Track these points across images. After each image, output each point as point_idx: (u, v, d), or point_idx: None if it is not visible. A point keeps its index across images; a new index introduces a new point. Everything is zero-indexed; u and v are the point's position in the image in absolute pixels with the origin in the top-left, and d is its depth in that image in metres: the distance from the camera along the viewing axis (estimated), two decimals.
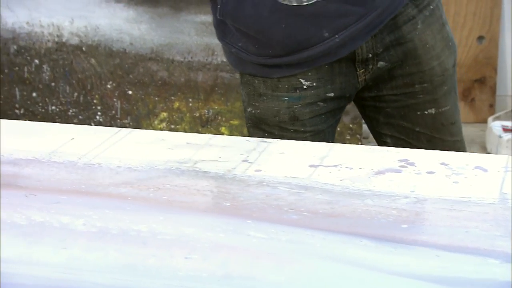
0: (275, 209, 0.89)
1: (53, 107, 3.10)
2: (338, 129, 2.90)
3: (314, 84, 1.28)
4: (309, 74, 1.27)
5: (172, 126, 3.08)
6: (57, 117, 3.10)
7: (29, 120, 3.15)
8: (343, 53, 1.26)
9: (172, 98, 3.07)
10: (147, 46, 3.04)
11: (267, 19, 1.20)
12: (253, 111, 1.34)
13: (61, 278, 0.76)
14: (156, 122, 3.08)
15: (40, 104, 3.10)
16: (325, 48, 1.23)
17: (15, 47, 3.07)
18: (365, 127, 3.09)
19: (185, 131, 3.08)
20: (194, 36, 3.01)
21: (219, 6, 1.24)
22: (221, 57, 2.97)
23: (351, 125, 2.84)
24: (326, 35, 1.22)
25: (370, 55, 1.27)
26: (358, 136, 2.85)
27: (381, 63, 1.28)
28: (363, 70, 1.28)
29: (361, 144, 2.90)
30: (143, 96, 3.06)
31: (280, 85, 1.29)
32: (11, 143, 1.10)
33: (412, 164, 0.99)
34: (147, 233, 0.85)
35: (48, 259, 0.80)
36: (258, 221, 0.86)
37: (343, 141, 2.88)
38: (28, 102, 3.10)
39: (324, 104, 1.29)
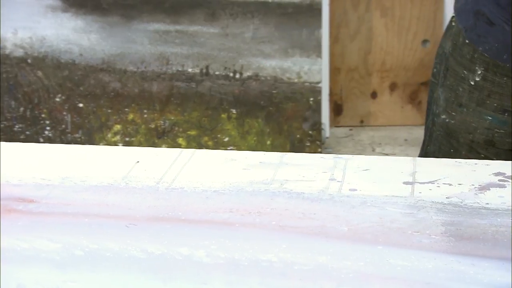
0: (398, 232, 0.86)
1: None
2: (298, 136, 2.90)
3: None
4: None
5: (127, 139, 3.00)
6: (2, 133, 2.97)
7: None
8: None
9: (126, 109, 2.99)
10: (97, 56, 2.94)
11: None
12: (447, 120, 1.19)
13: None
14: (109, 135, 2.99)
15: None
16: None
17: None
18: (323, 133, 3.10)
19: (141, 144, 3.00)
20: (148, 45, 2.94)
21: None
22: (176, 66, 2.91)
23: (310, 132, 2.84)
24: None
25: None
26: (318, 142, 2.85)
27: None
28: None
29: (321, 151, 2.90)
30: (95, 109, 2.96)
31: (488, 101, 1.13)
32: (76, 169, 1.03)
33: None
34: (280, 263, 0.80)
35: None
36: (389, 246, 0.83)
37: (302, 148, 2.88)
38: None
39: None
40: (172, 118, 2.94)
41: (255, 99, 2.86)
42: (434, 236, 0.84)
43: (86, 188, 0.97)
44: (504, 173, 0.99)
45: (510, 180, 0.97)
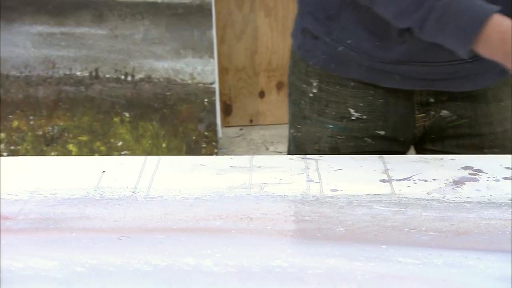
0: (395, 230, 0.87)
1: None
2: (194, 137, 2.88)
3: (364, 117, 1.15)
4: (361, 105, 1.15)
5: (12, 148, 2.86)
6: None
7: None
8: (474, 86, 1.10)
9: (10, 116, 2.85)
10: None
11: None
12: (294, 133, 1.23)
13: None
14: None
15: None
16: (450, 70, 1.06)
17: None
18: (218, 133, 3.09)
19: (28, 152, 2.88)
20: (31, 49, 2.81)
21: None
22: (63, 69, 2.81)
23: (206, 133, 2.82)
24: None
25: (432, 100, 1.14)
26: (214, 143, 2.84)
27: (444, 112, 1.14)
28: (423, 115, 1.15)
29: (217, 152, 2.90)
30: None
31: (327, 111, 1.17)
32: (41, 182, 0.97)
33: (480, 171, 1.01)
34: (293, 268, 0.79)
35: None
36: (392, 245, 0.83)
37: (199, 150, 2.86)
38: None
39: (372, 141, 1.16)
40: (61, 124, 2.84)
41: (148, 102, 2.80)
42: (431, 233, 0.86)
43: (60, 202, 0.92)
44: (472, 167, 1.02)
45: (481, 174, 1.00)
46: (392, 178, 1.00)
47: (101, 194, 0.94)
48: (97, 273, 0.76)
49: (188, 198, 0.94)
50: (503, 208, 0.91)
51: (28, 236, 0.83)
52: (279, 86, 3.39)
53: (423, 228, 0.87)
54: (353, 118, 1.16)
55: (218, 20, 3.27)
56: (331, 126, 1.17)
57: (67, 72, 2.81)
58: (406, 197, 0.95)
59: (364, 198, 0.94)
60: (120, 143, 2.84)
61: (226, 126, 3.30)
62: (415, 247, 0.83)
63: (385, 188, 0.97)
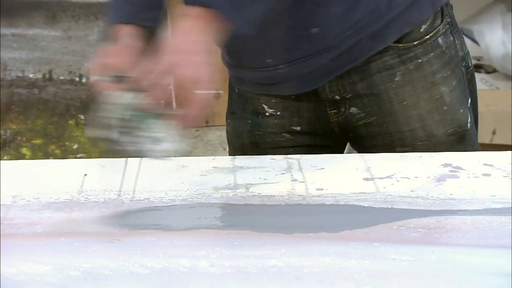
0: (384, 228, 0.87)
1: None
2: None
3: (278, 113, 1.18)
4: (273, 101, 1.18)
5: None
6: None
7: None
8: (300, 89, 1.15)
9: None
10: None
11: None
12: (227, 128, 1.26)
13: None
14: None
15: None
16: (269, 75, 1.13)
17: None
18: None
19: None
20: None
21: None
22: (15, 71, 2.76)
23: None
24: (269, 61, 1.11)
25: (338, 97, 1.14)
26: None
27: (353, 109, 1.15)
28: (335, 111, 1.16)
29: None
30: None
31: (246, 106, 1.21)
32: (22, 186, 0.95)
33: (460, 168, 1.03)
34: (289, 268, 0.78)
35: None
36: (384, 242, 0.84)
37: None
38: None
39: (291, 136, 1.19)
40: (14, 127, 2.78)
41: None
42: (420, 230, 0.87)
43: (44, 206, 0.90)
44: (451, 164, 1.04)
45: (460, 171, 1.02)
46: (374, 176, 1.01)
47: (86, 198, 0.93)
48: (93, 277, 0.75)
49: (175, 200, 0.93)
50: (486, 204, 0.93)
51: (17, 241, 0.81)
52: None
53: (412, 225, 0.88)
54: (267, 114, 1.19)
55: (172, 20, 3.24)
56: (250, 121, 1.21)
57: (20, 74, 2.76)
58: (391, 195, 0.96)
59: (350, 196, 0.95)
60: (75, 146, 2.80)
61: None
62: (406, 244, 0.84)
63: (369, 187, 0.98)
